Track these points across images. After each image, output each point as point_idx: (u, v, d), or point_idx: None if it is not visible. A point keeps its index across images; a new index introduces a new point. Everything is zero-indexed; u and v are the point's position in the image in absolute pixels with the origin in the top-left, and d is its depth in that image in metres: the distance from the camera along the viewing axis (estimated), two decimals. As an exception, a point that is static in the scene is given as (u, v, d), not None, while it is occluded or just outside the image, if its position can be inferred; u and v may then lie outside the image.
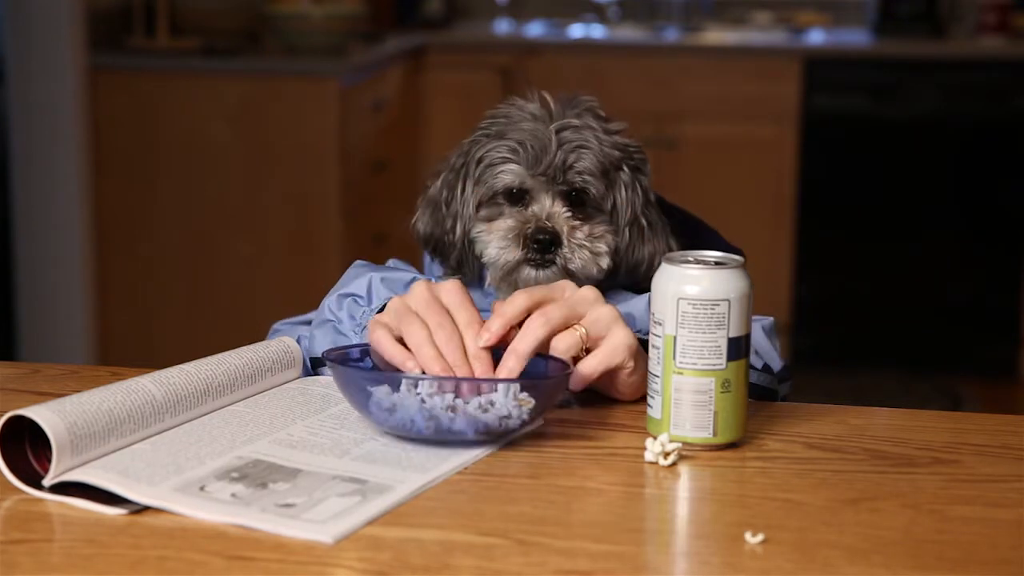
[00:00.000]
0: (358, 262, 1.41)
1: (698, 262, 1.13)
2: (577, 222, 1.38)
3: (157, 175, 3.71)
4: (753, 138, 4.27)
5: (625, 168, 1.41)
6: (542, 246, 1.36)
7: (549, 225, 1.37)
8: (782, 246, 4.29)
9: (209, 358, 1.19)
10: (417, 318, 1.17)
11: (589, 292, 1.19)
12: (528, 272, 1.38)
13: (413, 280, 1.35)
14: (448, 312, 1.17)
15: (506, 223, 1.39)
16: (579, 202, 1.39)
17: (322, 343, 1.33)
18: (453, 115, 4.35)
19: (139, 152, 3.71)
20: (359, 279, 1.35)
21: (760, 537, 0.94)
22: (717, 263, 1.13)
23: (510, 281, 1.39)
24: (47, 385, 1.28)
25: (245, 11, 4.12)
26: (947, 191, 4.27)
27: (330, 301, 1.35)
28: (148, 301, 3.76)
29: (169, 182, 3.71)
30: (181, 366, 1.16)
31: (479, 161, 1.41)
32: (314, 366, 1.34)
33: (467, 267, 1.43)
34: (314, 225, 3.63)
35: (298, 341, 1.36)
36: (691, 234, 1.47)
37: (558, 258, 1.37)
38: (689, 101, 4.31)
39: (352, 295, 1.35)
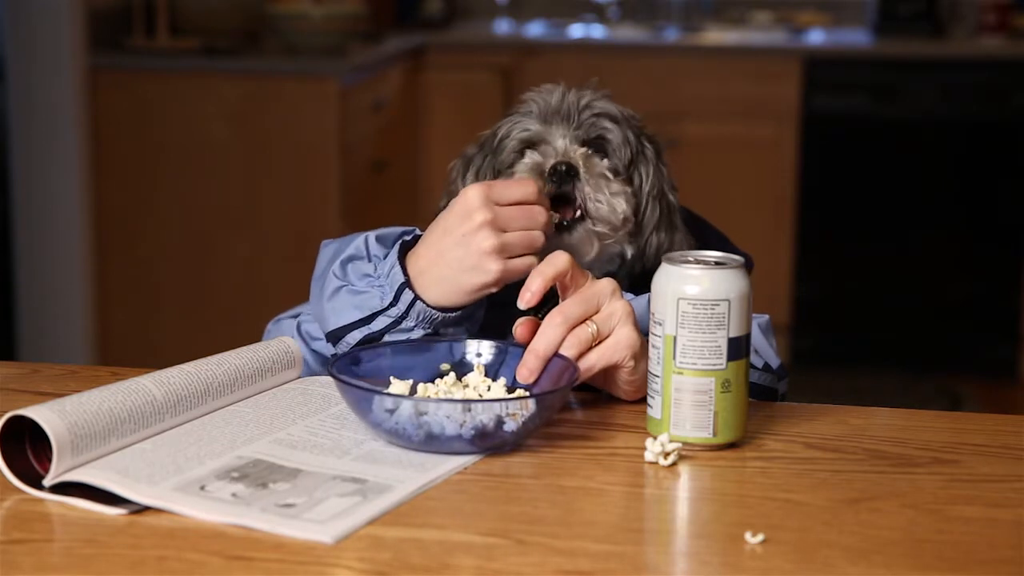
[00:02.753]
0: (324, 241, 1.36)
1: (698, 262, 1.13)
2: (595, 158, 1.37)
3: (157, 175, 3.71)
4: (753, 138, 4.27)
5: (648, 145, 1.41)
6: (560, 177, 1.35)
7: (568, 157, 1.36)
8: (782, 246, 4.29)
9: (209, 358, 1.19)
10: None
11: (607, 285, 1.19)
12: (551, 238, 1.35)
13: (405, 231, 1.31)
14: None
15: (524, 164, 1.38)
16: (599, 148, 1.38)
17: (342, 308, 1.28)
18: (453, 115, 4.35)
19: (139, 152, 3.71)
20: (353, 242, 1.30)
21: (760, 537, 0.94)
22: (717, 263, 1.13)
23: None
24: (47, 385, 1.28)
25: (245, 11, 4.11)
26: (947, 191, 4.26)
27: (334, 268, 1.29)
28: (148, 301, 3.76)
29: (169, 182, 3.71)
30: (181, 366, 1.16)
31: (495, 136, 1.41)
32: (335, 339, 1.29)
33: None
34: (314, 225, 3.63)
35: (297, 328, 1.35)
36: (697, 236, 1.46)
37: (578, 195, 1.35)
38: (689, 101, 4.31)
39: (351, 256, 1.30)
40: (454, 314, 1.26)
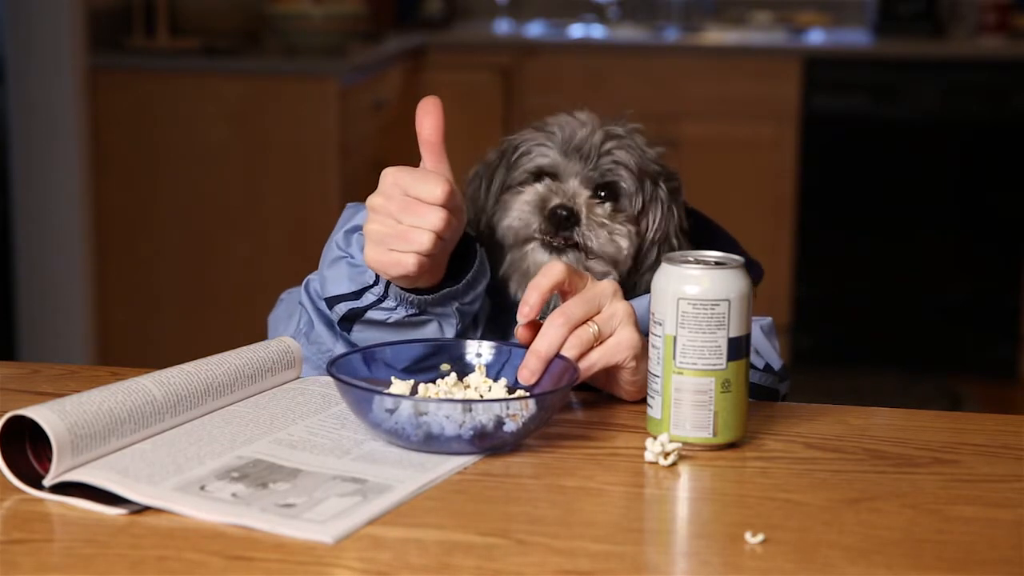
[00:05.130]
0: (351, 204, 1.37)
1: (698, 262, 1.13)
2: (597, 202, 1.38)
3: (157, 175, 3.71)
4: (753, 138, 4.27)
5: (663, 186, 1.41)
6: (559, 221, 1.36)
7: (571, 203, 1.36)
8: (782, 246, 4.29)
9: (209, 358, 1.19)
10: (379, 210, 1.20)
11: (608, 286, 1.19)
12: (542, 257, 1.37)
13: None
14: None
15: (529, 193, 1.38)
16: (610, 196, 1.39)
17: (338, 278, 1.30)
18: (453, 115, 4.32)
19: (139, 152, 3.71)
20: (360, 212, 1.31)
21: (760, 537, 0.94)
22: (717, 263, 1.13)
23: (523, 265, 1.37)
24: (47, 385, 1.28)
25: (245, 11, 4.12)
26: (947, 191, 4.26)
27: (337, 238, 1.31)
28: (148, 301, 3.76)
29: (169, 182, 3.71)
30: (181, 366, 1.16)
31: (515, 149, 1.41)
32: (329, 306, 1.31)
33: (494, 265, 1.40)
34: (314, 225, 3.63)
35: (306, 286, 1.35)
36: (708, 240, 1.46)
37: (576, 236, 1.36)
38: (689, 101, 4.31)
39: (357, 227, 1.31)
40: (429, 296, 1.27)
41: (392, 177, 1.22)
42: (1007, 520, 1.00)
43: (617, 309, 1.18)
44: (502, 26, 4.86)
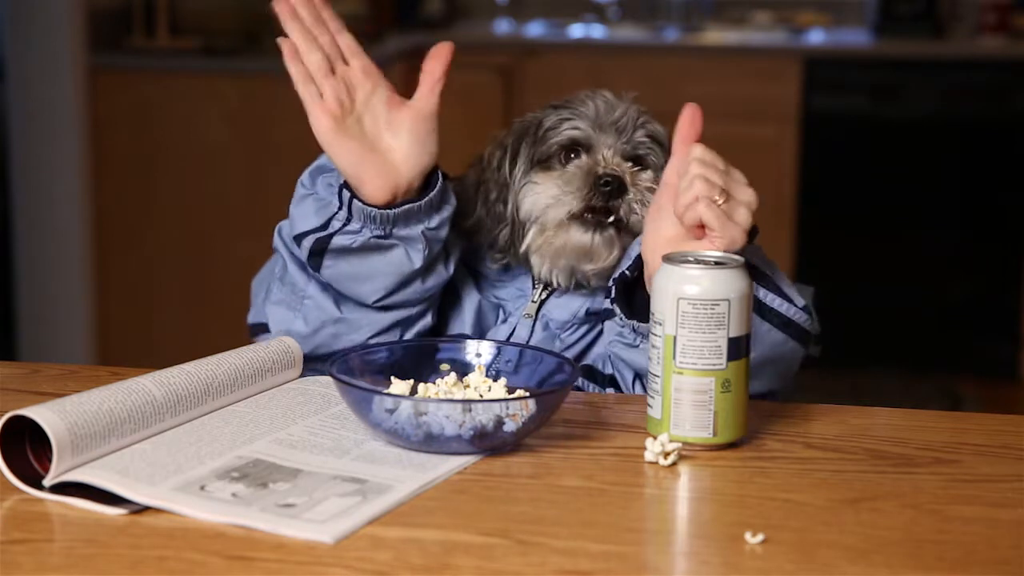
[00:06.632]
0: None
1: (698, 262, 1.13)
2: (639, 170, 1.37)
3: (157, 175, 3.71)
4: (753, 138, 4.26)
5: None
6: (607, 192, 1.34)
7: (617, 172, 1.36)
8: (782, 246, 4.28)
9: (209, 358, 1.19)
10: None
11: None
12: (579, 235, 1.35)
13: None
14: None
15: (565, 171, 1.37)
16: (640, 165, 1.39)
17: (305, 214, 1.34)
18: (453, 115, 4.33)
19: (139, 152, 3.71)
20: (324, 155, 1.35)
21: (760, 537, 0.94)
22: (717, 263, 1.13)
23: (556, 250, 1.37)
24: (47, 385, 1.28)
25: (245, 11, 4.11)
26: (947, 191, 4.26)
27: (303, 178, 1.37)
28: (148, 301, 3.76)
29: (169, 182, 3.71)
30: (181, 366, 1.16)
31: (539, 125, 1.41)
32: (298, 243, 1.35)
33: (516, 243, 1.39)
34: (314, 225, 3.63)
35: (279, 231, 1.38)
36: None
37: (622, 208, 1.35)
38: (689, 101, 4.30)
39: (320, 167, 1.36)
40: (392, 211, 1.30)
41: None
42: (1007, 520, 1.00)
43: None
44: (502, 26, 4.86)
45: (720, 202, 1.17)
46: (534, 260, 1.38)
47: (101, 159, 3.67)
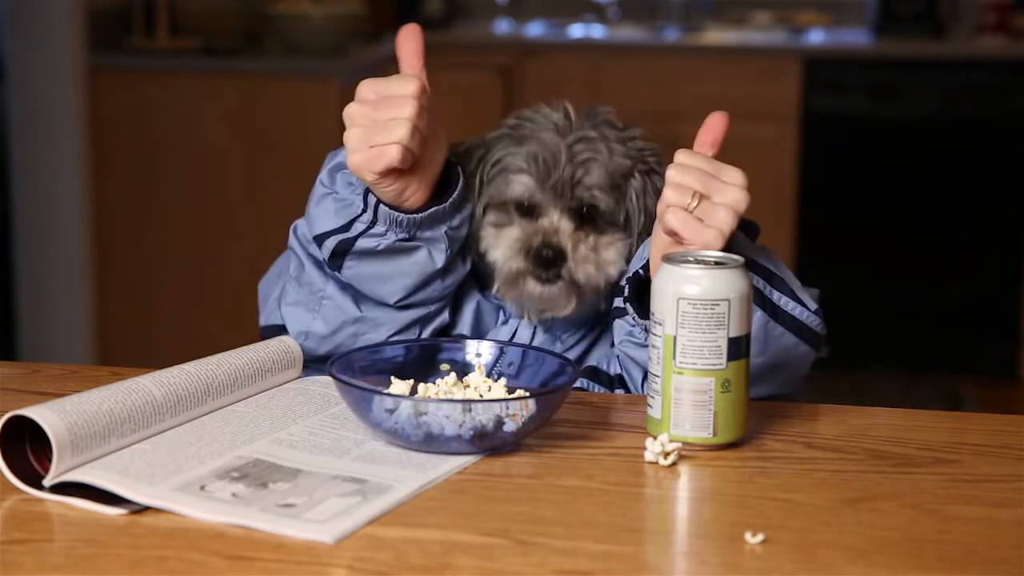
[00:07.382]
0: (332, 151, 1.38)
1: (698, 262, 1.13)
2: (582, 235, 1.37)
3: (157, 175, 3.71)
4: (753, 138, 4.26)
5: (636, 175, 1.40)
6: (545, 261, 1.36)
7: (555, 241, 1.37)
8: (782, 246, 4.28)
9: (209, 358, 1.19)
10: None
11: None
12: (532, 286, 1.37)
13: None
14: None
15: (513, 233, 1.38)
16: (590, 217, 1.38)
17: (325, 214, 1.32)
18: (453, 115, 4.32)
19: (139, 152, 3.71)
20: (341, 152, 1.32)
21: (760, 537, 0.94)
22: (717, 263, 1.13)
23: (515, 293, 1.38)
24: (47, 385, 1.28)
25: (245, 11, 4.11)
26: (947, 191, 4.26)
27: (322, 177, 1.34)
28: (148, 301, 3.76)
29: (169, 182, 3.71)
30: (181, 366, 1.16)
31: (496, 163, 1.40)
32: (318, 244, 1.33)
33: (473, 259, 1.41)
34: (314, 225, 3.63)
35: (294, 231, 1.36)
36: None
37: (564, 271, 1.36)
38: (689, 101, 4.30)
39: (339, 164, 1.33)
40: (418, 215, 1.28)
41: (366, 85, 1.26)
42: (1007, 520, 1.00)
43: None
44: (502, 26, 4.86)
45: (693, 206, 1.17)
46: (506, 303, 1.41)
47: (101, 159, 3.67)
